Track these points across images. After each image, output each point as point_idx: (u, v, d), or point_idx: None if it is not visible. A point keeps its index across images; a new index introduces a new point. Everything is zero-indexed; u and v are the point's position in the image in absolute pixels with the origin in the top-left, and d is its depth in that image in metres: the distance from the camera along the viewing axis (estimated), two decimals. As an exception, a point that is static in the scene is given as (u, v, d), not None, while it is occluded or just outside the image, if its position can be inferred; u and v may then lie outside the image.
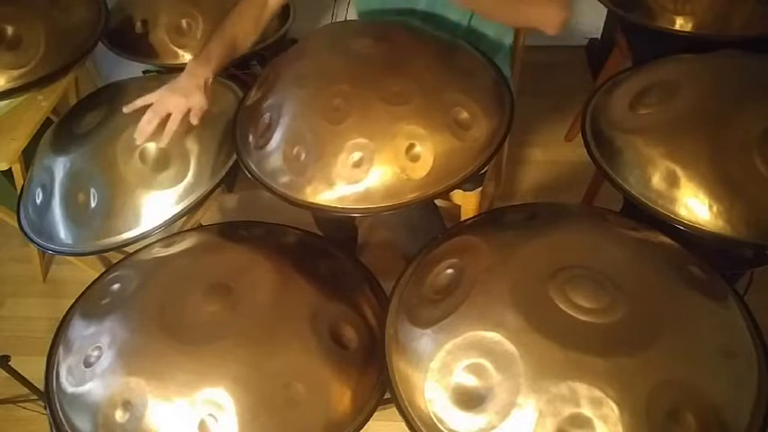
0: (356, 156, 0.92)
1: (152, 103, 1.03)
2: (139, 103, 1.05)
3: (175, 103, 1.02)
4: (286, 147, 0.97)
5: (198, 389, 0.79)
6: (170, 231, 1.09)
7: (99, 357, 0.84)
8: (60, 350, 0.91)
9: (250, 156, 1.04)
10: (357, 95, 0.95)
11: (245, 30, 1.13)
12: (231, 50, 1.11)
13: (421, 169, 0.92)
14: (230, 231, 1.09)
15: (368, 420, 0.85)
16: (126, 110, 1.06)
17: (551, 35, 0.98)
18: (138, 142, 1.03)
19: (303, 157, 0.95)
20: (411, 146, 0.92)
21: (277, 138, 0.99)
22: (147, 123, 1.02)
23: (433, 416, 0.75)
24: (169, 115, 1.02)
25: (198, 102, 1.04)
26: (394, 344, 0.85)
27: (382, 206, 0.93)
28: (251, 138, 1.05)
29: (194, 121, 1.05)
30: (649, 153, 0.97)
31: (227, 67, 1.11)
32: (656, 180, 0.95)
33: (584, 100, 1.16)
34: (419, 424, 0.77)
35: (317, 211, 0.95)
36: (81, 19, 1.47)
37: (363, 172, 0.92)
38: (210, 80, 1.06)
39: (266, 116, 1.02)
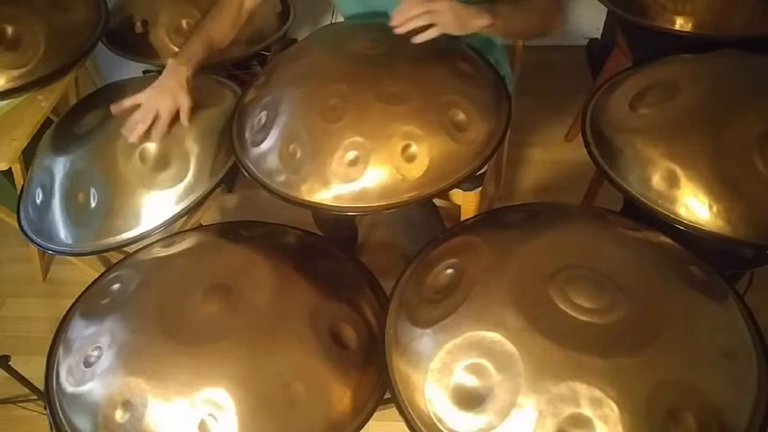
0: (352, 154, 0.92)
1: (140, 104, 1.05)
2: (127, 103, 1.07)
3: (163, 102, 1.04)
4: (282, 145, 0.97)
5: (198, 389, 0.79)
6: (170, 231, 1.09)
7: (99, 357, 0.84)
8: (60, 350, 0.91)
9: (247, 154, 1.04)
10: (354, 95, 0.95)
11: (222, 30, 1.16)
12: (209, 49, 1.13)
13: (416, 170, 0.92)
14: (230, 231, 1.09)
15: (368, 420, 0.85)
16: (114, 109, 1.07)
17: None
18: (130, 140, 1.04)
19: (299, 155, 0.95)
20: (407, 146, 0.92)
21: (273, 136, 0.99)
22: (141, 122, 1.04)
23: (432, 416, 0.75)
24: (158, 115, 1.04)
25: (184, 101, 1.06)
26: (394, 344, 0.85)
27: (377, 205, 0.93)
28: (247, 135, 1.05)
29: (184, 122, 1.07)
30: (649, 153, 0.97)
31: (205, 66, 1.13)
32: (656, 180, 0.95)
33: (584, 100, 1.16)
34: (419, 424, 0.77)
35: (314, 210, 0.95)
36: (81, 19, 1.47)
37: (359, 171, 0.92)
38: (191, 79, 1.08)
39: (262, 114, 1.03)
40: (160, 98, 1.05)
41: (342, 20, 1.31)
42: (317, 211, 0.96)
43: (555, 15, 1.09)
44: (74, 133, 1.15)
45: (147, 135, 1.05)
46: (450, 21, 0.92)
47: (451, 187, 0.95)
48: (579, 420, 0.68)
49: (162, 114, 1.04)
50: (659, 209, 0.95)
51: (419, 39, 0.93)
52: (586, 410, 0.68)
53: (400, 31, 0.92)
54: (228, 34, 1.18)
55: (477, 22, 0.94)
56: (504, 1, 1.01)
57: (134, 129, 1.03)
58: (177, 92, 1.05)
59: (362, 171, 0.92)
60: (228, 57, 1.53)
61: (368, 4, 1.20)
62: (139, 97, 1.05)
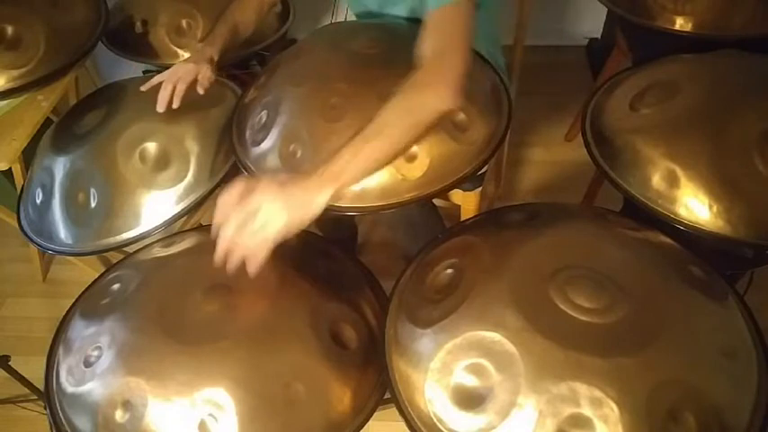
0: None
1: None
2: (155, 80, 1.11)
3: (184, 70, 1.09)
4: (282, 144, 0.97)
5: (198, 389, 0.78)
6: (170, 231, 1.09)
7: (99, 357, 0.84)
8: (60, 350, 0.91)
9: (247, 154, 1.04)
10: (354, 94, 0.95)
11: (246, 17, 1.21)
12: (234, 35, 1.18)
13: (417, 170, 0.92)
14: (230, 231, 1.08)
15: (368, 420, 0.85)
16: (143, 88, 1.12)
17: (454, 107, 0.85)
18: (159, 110, 1.07)
19: (299, 154, 0.95)
20: None
21: (273, 135, 0.99)
22: (163, 90, 1.07)
23: (432, 416, 0.75)
24: (178, 80, 1.09)
25: (205, 71, 1.10)
26: (394, 344, 0.85)
27: (377, 205, 0.93)
28: (248, 135, 1.05)
29: (200, 90, 1.09)
30: (649, 153, 0.97)
31: (229, 51, 1.18)
32: (656, 180, 0.95)
33: (584, 100, 1.16)
34: (419, 424, 0.77)
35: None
36: (81, 19, 1.47)
37: None
38: (216, 58, 1.13)
39: (263, 114, 1.03)
40: (181, 68, 1.09)
41: (341, 20, 1.31)
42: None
43: (437, 91, 0.82)
44: (74, 133, 1.15)
45: (170, 102, 1.08)
46: (283, 220, 0.75)
47: (452, 187, 0.95)
48: (579, 420, 0.68)
49: (182, 78, 1.08)
50: (659, 209, 0.95)
51: (252, 270, 0.78)
52: (586, 410, 0.68)
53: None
54: (252, 22, 1.23)
55: (320, 199, 0.78)
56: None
57: (161, 99, 1.07)
58: (199, 63, 1.10)
59: None
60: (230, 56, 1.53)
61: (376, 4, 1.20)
62: (165, 74, 1.10)
